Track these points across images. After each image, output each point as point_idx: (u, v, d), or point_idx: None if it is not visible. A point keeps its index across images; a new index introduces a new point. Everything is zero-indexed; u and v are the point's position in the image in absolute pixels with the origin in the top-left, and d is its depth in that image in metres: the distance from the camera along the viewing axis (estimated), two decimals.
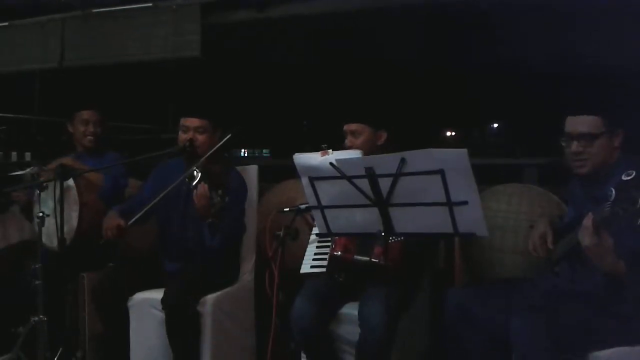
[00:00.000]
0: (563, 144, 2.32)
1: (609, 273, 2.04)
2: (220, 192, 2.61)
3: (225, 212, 2.68)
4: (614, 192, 1.90)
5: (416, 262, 2.66)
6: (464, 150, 1.86)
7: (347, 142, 2.79)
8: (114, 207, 2.95)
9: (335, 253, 2.61)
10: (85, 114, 3.33)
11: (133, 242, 3.48)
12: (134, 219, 2.78)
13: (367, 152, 2.62)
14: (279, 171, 3.74)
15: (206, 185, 2.64)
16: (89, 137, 3.33)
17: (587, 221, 1.97)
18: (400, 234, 2.19)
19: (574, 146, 2.26)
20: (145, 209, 2.75)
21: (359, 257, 2.55)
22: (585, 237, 1.97)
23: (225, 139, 2.76)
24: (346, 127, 2.80)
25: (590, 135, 2.23)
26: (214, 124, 2.97)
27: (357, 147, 2.72)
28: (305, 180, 2.16)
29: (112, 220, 2.82)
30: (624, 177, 2.11)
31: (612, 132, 2.24)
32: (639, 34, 3.40)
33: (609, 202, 1.88)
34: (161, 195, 2.74)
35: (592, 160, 2.25)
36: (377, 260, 2.47)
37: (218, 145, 2.79)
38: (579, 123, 2.26)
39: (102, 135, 3.37)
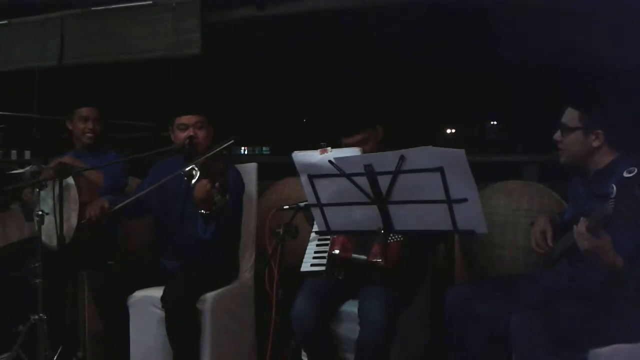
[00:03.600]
0: None
1: (608, 271, 2.04)
2: (220, 190, 2.60)
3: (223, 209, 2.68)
4: (615, 189, 1.90)
5: (415, 264, 2.65)
6: (462, 151, 1.86)
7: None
8: (107, 196, 2.99)
9: (333, 252, 2.61)
10: (85, 111, 3.33)
11: (133, 240, 3.48)
12: (119, 205, 2.83)
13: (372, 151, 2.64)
14: (279, 169, 3.73)
15: (208, 182, 2.63)
16: (88, 134, 3.34)
17: (581, 227, 1.97)
18: (400, 232, 2.19)
19: (556, 134, 2.36)
20: (132, 197, 2.80)
21: (357, 256, 2.55)
22: (582, 241, 1.98)
23: (228, 144, 2.72)
24: (349, 141, 2.76)
25: (565, 127, 2.32)
26: (210, 119, 2.98)
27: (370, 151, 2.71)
28: (304, 178, 2.16)
29: (97, 202, 2.91)
30: (625, 174, 2.12)
31: (588, 130, 2.26)
32: (637, 36, 3.39)
33: (612, 199, 1.88)
34: (153, 186, 2.76)
35: (567, 151, 2.33)
36: (374, 260, 2.47)
37: (219, 149, 2.74)
38: (565, 114, 2.34)
39: (101, 132, 3.38)
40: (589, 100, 2.37)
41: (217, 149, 2.71)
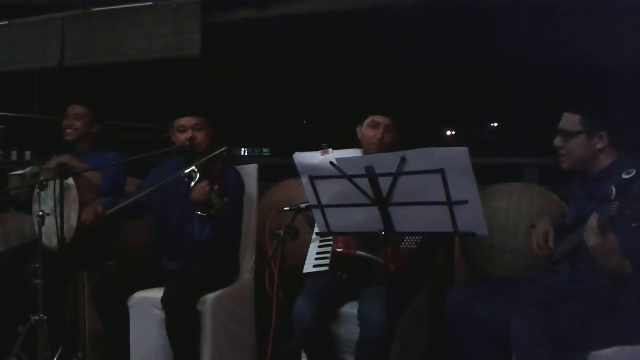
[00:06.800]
0: None
1: (614, 273, 2.03)
2: (219, 192, 2.60)
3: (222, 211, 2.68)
4: (614, 190, 1.90)
5: (419, 271, 2.65)
6: (465, 149, 1.86)
7: (377, 134, 2.72)
8: (104, 199, 2.97)
9: (337, 249, 2.61)
10: (69, 108, 3.32)
11: (133, 241, 3.48)
12: (113, 209, 2.78)
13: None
14: (279, 170, 3.73)
15: (207, 184, 2.63)
16: (67, 130, 3.30)
17: (593, 221, 1.95)
18: (407, 233, 2.19)
19: (556, 140, 2.34)
20: (128, 201, 2.76)
21: (362, 253, 2.55)
22: (591, 237, 1.95)
23: (219, 151, 2.70)
24: (379, 120, 2.73)
25: (567, 132, 2.29)
26: (209, 120, 2.98)
27: (386, 143, 2.71)
28: (305, 179, 2.16)
29: (91, 205, 2.88)
30: (624, 176, 2.12)
31: (591, 133, 2.25)
32: (635, 36, 3.39)
33: (615, 202, 1.86)
34: (151, 188, 2.75)
35: (570, 156, 2.31)
36: (385, 263, 2.47)
37: (217, 152, 2.73)
38: (563, 119, 2.33)
39: (85, 132, 3.31)
40: (588, 102, 2.35)
41: (209, 156, 2.70)
